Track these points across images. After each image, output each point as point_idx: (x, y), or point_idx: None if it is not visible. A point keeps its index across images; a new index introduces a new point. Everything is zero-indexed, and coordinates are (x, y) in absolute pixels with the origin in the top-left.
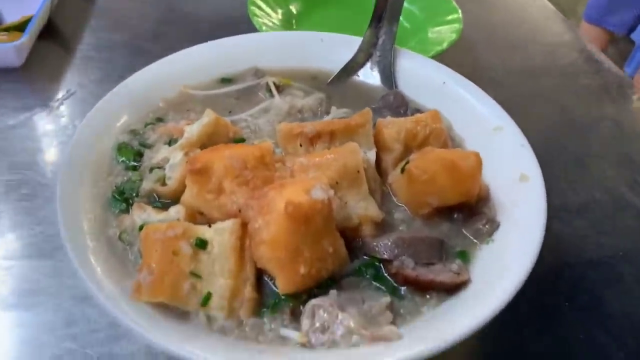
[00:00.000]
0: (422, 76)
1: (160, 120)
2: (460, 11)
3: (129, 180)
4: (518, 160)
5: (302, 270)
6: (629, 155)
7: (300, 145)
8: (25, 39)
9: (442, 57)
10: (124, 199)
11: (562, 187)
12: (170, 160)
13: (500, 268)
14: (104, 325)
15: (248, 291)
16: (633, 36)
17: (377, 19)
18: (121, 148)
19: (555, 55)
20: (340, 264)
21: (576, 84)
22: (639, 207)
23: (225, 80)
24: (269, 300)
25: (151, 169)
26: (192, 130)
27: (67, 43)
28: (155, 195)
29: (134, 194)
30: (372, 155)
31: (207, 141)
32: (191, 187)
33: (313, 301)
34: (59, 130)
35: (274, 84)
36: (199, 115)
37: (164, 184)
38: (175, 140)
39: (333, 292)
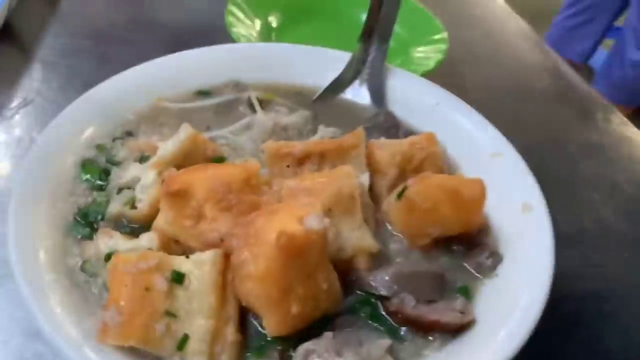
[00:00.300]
0: (413, 96)
1: (129, 134)
2: (445, 31)
3: (94, 202)
4: (519, 188)
5: (294, 309)
6: (615, 182)
7: (288, 167)
8: None
9: (426, 78)
10: (87, 222)
11: (551, 216)
12: (142, 180)
13: (507, 307)
14: None
15: (231, 333)
16: (591, 63)
17: (368, 34)
18: (85, 165)
19: (537, 77)
20: (333, 301)
21: (559, 108)
22: (628, 237)
23: (203, 93)
24: (254, 343)
25: (119, 190)
26: (167, 147)
27: (25, 47)
28: (123, 219)
29: (100, 218)
30: (365, 179)
31: (183, 159)
32: (166, 211)
33: (305, 345)
34: (12, 142)
35: (257, 98)
36: (174, 130)
37: (133, 206)
38: (147, 158)
39: (328, 334)
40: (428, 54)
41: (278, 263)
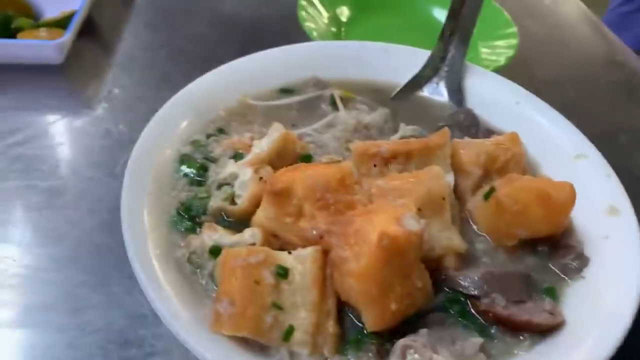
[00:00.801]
0: (493, 95)
1: (221, 131)
2: (515, 26)
3: (196, 197)
4: (605, 191)
5: (393, 307)
6: None
7: (375, 166)
8: (68, 37)
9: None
10: (190, 216)
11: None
12: (240, 177)
13: (596, 309)
14: (160, 349)
15: (331, 325)
16: None
17: (449, 32)
18: (184, 160)
19: (609, 74)
20: (426, 298)
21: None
22: None
23: (286, 91)
24: (351, 336)
25: (219, 186)
26: (262, 145)
27: (107, 42)
28: (223, 214)
29: (201, 212)
30: (450, 179)
31: (276, 157)
32: (268, 208)
33: (402, 341)
34: (99, 134)
35: (339, 97)
36: (262, 128)
37: (232, 202)
38: (241, 155)
39: (423, 331)
40: (498, 49)
41: (379, 262)
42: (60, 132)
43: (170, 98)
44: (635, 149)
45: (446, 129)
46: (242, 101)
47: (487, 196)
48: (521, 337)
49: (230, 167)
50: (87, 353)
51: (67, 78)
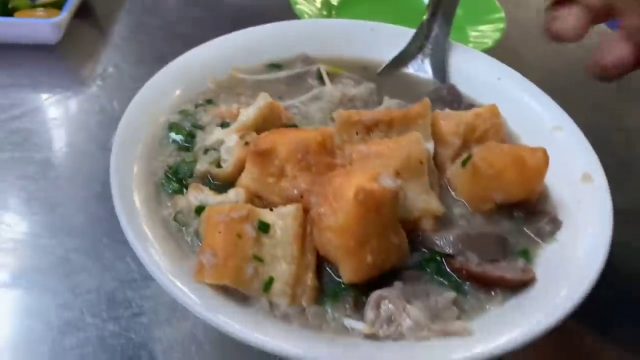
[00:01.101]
0: (475, 71)
1: (210, 102)
2: (502, 11)
3: (183, 161)
4: (580, 160)
5: (369, 259)
6: None
7: (357, 134)
8: (64, 16)
9: None
10: (178, 179)
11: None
12: (226, 143)
13: (567, 268)
14: (147, 309)
15: (310, 278)
16: None
17: (432, 11)
18: (173, 128)
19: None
20: (402, 255)
21: (616, 90)
22: None
23: (274, 66)
24: (329, 289)
25: (205, 151)
26: (248, 113)
27: (102, 24)
28: (209, 177)
29: (188, 175)
30: (430, 147)
31: (262, 125)
32: (252, 169)
33: (378, 292)
34: (94, 110)
35: (326, 72)
36: (250, 100)
37: (218, 166)
38: (227, 124)
39: (398, 284)
40: (486, 33)
41: (356, 217)
42: (56, 108)
43: None
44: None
45: (427, 99)
46: (231, 75)
47: (464, 162)
48: (493, 293)
49: (217, 134)
50: (78, 313)
51: (63, 57)
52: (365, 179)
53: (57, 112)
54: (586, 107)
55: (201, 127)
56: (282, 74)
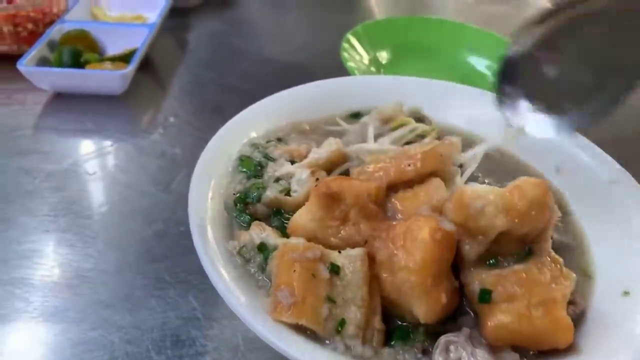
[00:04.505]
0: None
1: (280, 140)
2: None
3: (252, 186)
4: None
5: (443, 298)
6: None
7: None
8: (131, 69)
9: None
10: (244, 204)
11: None
12: (297, 176)
13: None
14: (211, 349)
15: (377, 321)
16: None
17: None
18: (243, 160)
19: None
20: (458, 300)
21: None
22: None
23: (354, 116)
24: (395, 334)
25: (276, 180)
26: (320, 152)
27: (162, 76)
28: (276, 206)
29: (256, 200)
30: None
31: (329, 167)
32: (315, 210)
33: (445, 337)
34: (156, 155)
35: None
36: (317, 144)
37: (287, 195)
38: (295, 162)
39: (465, 329)
40: None
41: (434, 255)
42: (119, 153)
43: (221, 126)
44: None
45: (435, 149)
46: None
47: (482, 298)
48: None
49: (288, 168)
50: (143, 349)
51: (127, 107)
52: (430, 222)
53: (120, 157)
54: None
55: (272, 159)
56: (355, 127)
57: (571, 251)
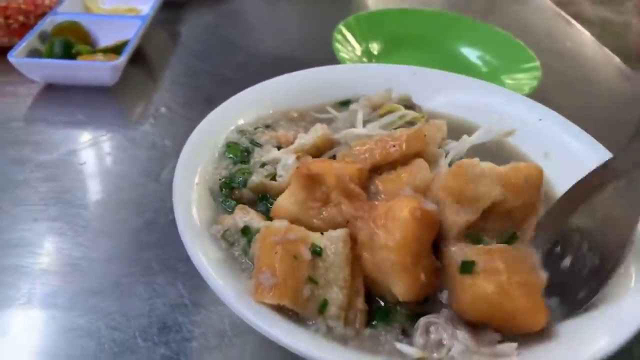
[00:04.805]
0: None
1: (268, 127)
2: (537, 60)
3: (238, 171)
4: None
5: (422, 277)
6: None
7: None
8: (122, 60)
9: None
10: (230, 189)
11: None
12: (282, 161)
13: None
14: (197, 334)
15: (360, 302)
16: None
17: None
18: (230, 146)
19: (628, 108)
20: (439, 280)
21: None
22: None
23: (343, 103)
24: (377, 315)
25: (262, 165)
26: (307, 138)
27: (154, 68)
28: (261, 191)
29: (242, 185)
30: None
31: (315, 152)
32: (297, 192)
33: (424, 318)
34: (147, 146)
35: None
36: (307, 130)
37: (273, 180)
38: (281, 148)
39: (444, 310)
40: (521, 81)
41: (413, 233)
42: (110, 144)
43: None
44: None
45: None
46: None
47: (464, 269)
48: None
49: (274, 153)
50: (130, 335)
51: (118, 98)
52: (412, 202)
53: (111, 148)
54: None
55: (259, 145)
56: (344, 114)
57: None
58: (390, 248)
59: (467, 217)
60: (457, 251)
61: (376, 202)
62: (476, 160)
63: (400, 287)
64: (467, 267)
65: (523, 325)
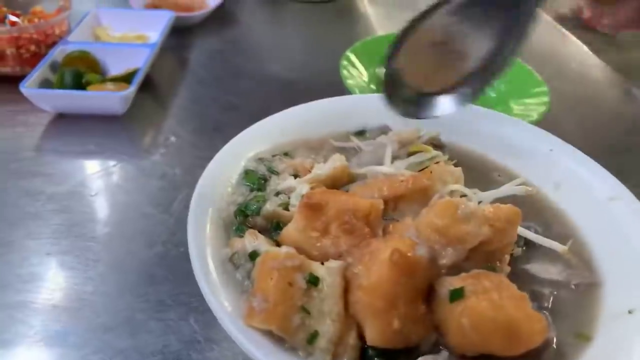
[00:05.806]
0: (528, 144)
1: (286, 154)
2: (546, 85)
3: (254, 199)
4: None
5: (396, 324)
6: None
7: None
8: (131, 90)
9: None
10: (244, 216)
11: None
12: (297, 190)
13: None
14: None
15: (352, 337)
16: None
17: None
18: (248, 173)
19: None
20: (426, 333)
21: None
22: None
23: (359, 133)
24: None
25: (277, 193)
26: (323, 168)
27: (163, 95)
28: (274, 220)
29: (256, 212)
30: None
31: (331, 183)
32: (299, 220)
33: (423, 358)
34: (156, 175)
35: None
36: (323, 159)
37: (286, 209)
38: (299, 176)
39: (444, 353)
40: (530, 106)
41: (388, 276)
42: (121, 174)
43: (221, 145)
44: None
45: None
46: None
47: (453, 296)
48: None
49: (289, 182)
50: None
51: (128, 127)
52: (402, 244)
53: (122, 178)
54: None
55: (276, 173)
56: (369, 147)
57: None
58: (364, 288)
59: (453, 258)
60: (442, 283)
61: (373, 240)
62: (463, 199)
63: (368, 330)
64: (457, 294)
65: (525, 338)
